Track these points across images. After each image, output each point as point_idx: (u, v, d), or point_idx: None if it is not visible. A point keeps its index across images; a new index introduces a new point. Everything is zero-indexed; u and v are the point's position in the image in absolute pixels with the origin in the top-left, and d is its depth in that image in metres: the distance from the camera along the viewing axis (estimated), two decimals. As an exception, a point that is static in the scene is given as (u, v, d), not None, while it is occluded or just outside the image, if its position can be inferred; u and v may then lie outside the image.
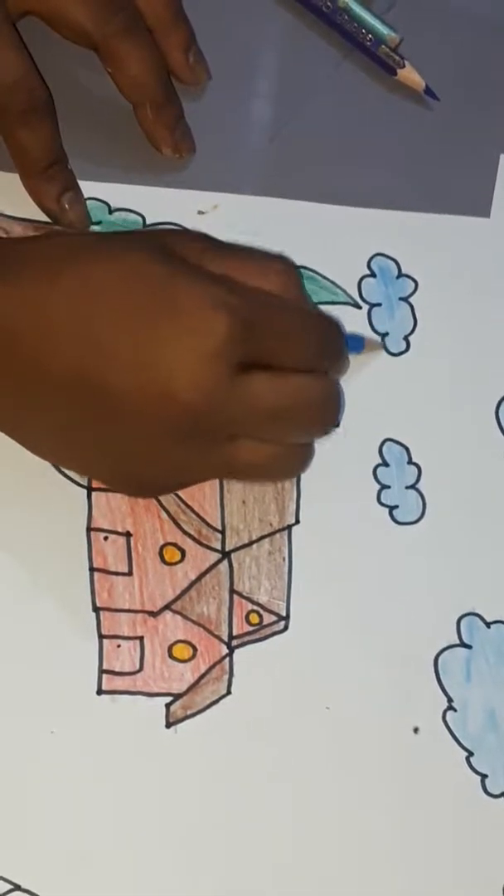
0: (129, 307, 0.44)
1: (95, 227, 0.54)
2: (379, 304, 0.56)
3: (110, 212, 0.55)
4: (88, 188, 0.54)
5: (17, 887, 0.47)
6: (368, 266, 0.56)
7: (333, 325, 0.50)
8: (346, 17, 0.56)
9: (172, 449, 0.46)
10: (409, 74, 0.57)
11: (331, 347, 0.50)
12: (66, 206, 0.53)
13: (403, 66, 0.56)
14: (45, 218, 0.53)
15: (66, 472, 0.51)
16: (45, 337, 0.44)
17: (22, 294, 0.44)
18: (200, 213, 0.56)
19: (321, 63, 0.57)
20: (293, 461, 0.49)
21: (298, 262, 0.55)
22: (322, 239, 0.56)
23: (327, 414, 0.49)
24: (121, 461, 0.47)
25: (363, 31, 0.57)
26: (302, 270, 0.55)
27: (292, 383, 0.47)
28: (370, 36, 0.56)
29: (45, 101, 0.51)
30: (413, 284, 0.56)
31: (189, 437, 0.45)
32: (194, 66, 0.54)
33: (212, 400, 0.44)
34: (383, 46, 0.56)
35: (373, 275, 0.56)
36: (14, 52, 0.50)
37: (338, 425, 0.50)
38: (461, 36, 0.58)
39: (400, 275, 0.56)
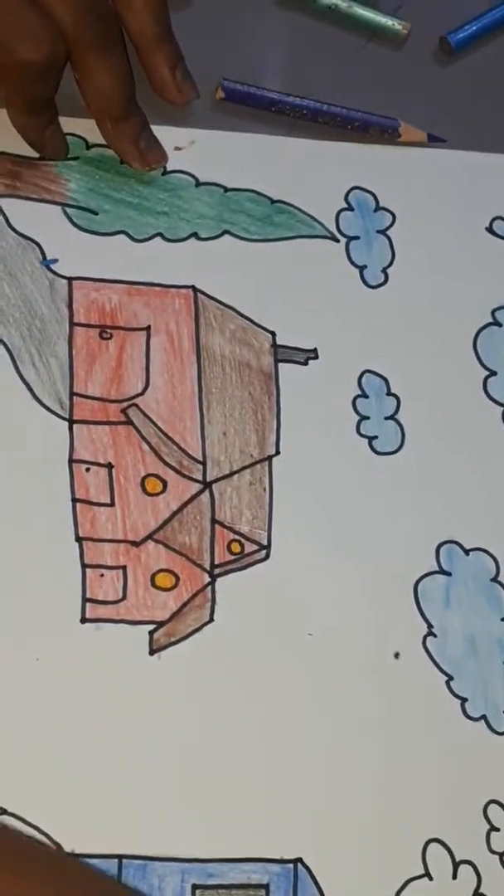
0: None
1: (72, 163, 0.55)
2: (357, 238, 0.56)
3: (87, 147, 0.55)
4: (66, 124, 0.54)
5: (4, 811, 0.47)
6: (346, 199, 0.56)
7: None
8: (329, 105, 0.57)
9: None
10: (410, 132, 0.57)
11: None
12: (49, 138, 0.53)
13: (400, 128, 0.57)
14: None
15: (47, 404, 0.52)
16: None
17: None
18: (177, 148, 0.56)
19: None
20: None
21: (276, 197, 0.56)
22: (299, 173, 0.56)
23: None
24: None
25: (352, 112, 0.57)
26: (280, 204, 0.56)
27: None
28: (358, 120, 0.57)
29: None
30: (391, 217, 0.56)
31: None
32: (181, 85, 0.53)
33: None
34: (373, 126, 0.57)
35: (350, 208, 0.56)
36: None
37: None
38: None
39: (377, 208, 0.56)
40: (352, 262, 0.56)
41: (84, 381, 0.52)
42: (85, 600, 0.50)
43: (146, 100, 0.54)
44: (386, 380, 0.55)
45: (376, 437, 0.54)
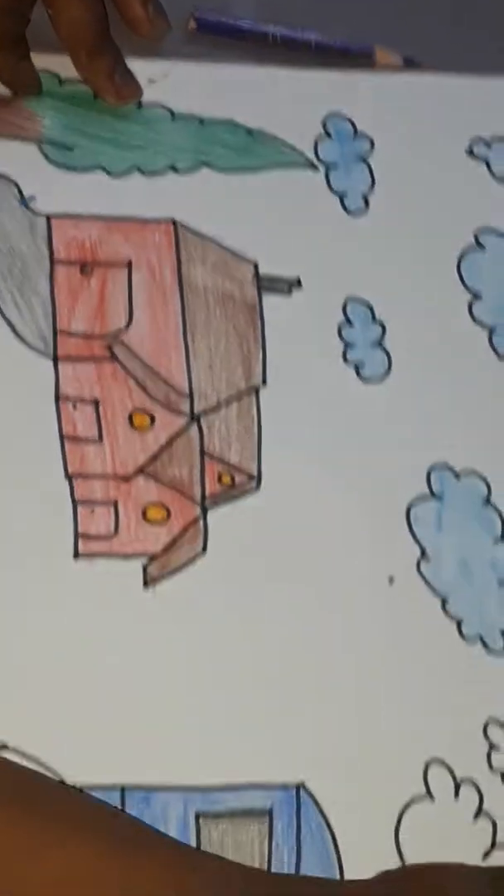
0: None
1: (46, 99, 0.54)
2: (336, 165, 0.56)
3: (60, 83, 0.55)
4: (38, 60, 0.54)
5: (5, 746, 0.47)
6: (323, 127, 0.56)
7: None
8: (302, 32, 0.57)
9: None
10: (385, 56, 0.57)
11: None
12: (21, 74, 0.53)
13: (375, 53, 0.56)
14: None
15: (31, 342, 0.51)
16: None
17: None
18: (151, 81, 0.55)
19: None
20: None
21: (253, 126, 0.55)
22: (275, 102, 0.56)
23: None
24: None
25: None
26: (257, 133, 0.55)
27: None
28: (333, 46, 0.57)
29: None
30: (369, 143, 0.56)
31: None
32: (154, 19, 0.53)
33: None
34: (349, 52, 0.57)
35: (328, 135, 0.56)
36: None
37: None
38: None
39: (356, 134, 0.56)
40: (332, 190, 0.55)
41: (67, 319, 0.52)
42: (77, 536, 0.50)
43: (118, 35, 0.53)
44: (371, 307, 0.54)
45: (363, 364, 0.54)
